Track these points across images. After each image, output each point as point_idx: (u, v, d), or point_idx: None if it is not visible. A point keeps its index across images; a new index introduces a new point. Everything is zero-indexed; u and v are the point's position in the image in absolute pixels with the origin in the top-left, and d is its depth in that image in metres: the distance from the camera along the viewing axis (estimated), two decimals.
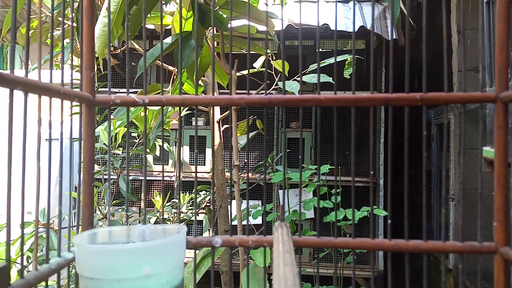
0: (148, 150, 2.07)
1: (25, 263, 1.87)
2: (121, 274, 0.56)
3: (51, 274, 0.60)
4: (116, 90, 3.88)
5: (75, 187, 2.72)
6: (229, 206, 1.88)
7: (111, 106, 0.75)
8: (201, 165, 3.85)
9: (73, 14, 1.22)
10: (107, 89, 0.80)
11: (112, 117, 1.77)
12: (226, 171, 1.88)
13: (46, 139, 0.61)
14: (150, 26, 3.50)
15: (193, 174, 3.65)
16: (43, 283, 0.62)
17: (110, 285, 0.56)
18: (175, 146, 3.55)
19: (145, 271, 0.56)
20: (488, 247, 0.70)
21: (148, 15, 1.59)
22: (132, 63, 3.89)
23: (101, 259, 0.56)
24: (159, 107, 1.64)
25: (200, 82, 1.88)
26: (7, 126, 0.51)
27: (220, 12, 1.43)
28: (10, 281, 0.52)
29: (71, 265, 0.68)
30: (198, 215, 3.41)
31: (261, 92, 2.02)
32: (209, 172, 3.69)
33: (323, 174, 2.62)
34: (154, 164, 3.86)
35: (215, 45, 1.78)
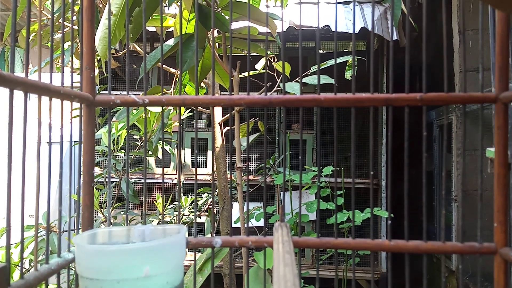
0: (150, 152, 2.08)
1: (27, 266, 1.87)
2: (121, 275, 0.56)
3: (51, 275, 0.60)
4: (117, 93, 3.89)
5: (76, 190, 2.72)
6: (230, 209, 1.88)
7: (111, 106, 0.76)
8: (203, 167, 3.86)
9: (74, 17, 1.22)
10: (107, 92, 0.80)
11: (114, 119, 1.77)
12: (228, 173, 1.88)
13: (46, 142, 0.61)
14: (152, 28, 3.51)
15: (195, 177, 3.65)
16: (43, 284, 0.62)
17: (110, 286, 0.56)
18: (177, 148, 3.56)
19: (145, 272, 0.57)
20: (488, 247, 0.69)
21: (150, 17, 1.60)
22: (134, 65, 3.90)
23: (101, 259, 0.56)
24: (160, 109, 1.64)
25: (202, 84, 1.88)
26: (7, 127, 0.51)
27: (222, 14, 1.43)
28: (11, 281, 0.52)
29: (71, 266, 0.68)
30: (200, 218, 3.41)
31: (263, 93, 2.02)
32: (210, 175, 3.70)
33: (325, 176, 2.61)
34: (156, 166, 3.87)
35: (218, 47, 1.78)
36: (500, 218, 0.68)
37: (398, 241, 0.73)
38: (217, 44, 1.76)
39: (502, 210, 0.68)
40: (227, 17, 1.41)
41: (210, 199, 2.94)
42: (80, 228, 0.75)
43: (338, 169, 3.04)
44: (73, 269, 0.69)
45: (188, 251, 0.73)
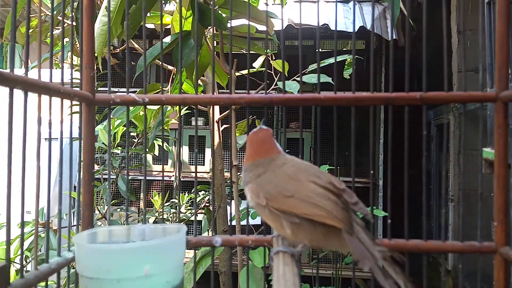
0: (147, 150, 2.07)
1: (24, 263, 1.86)
2: (121, 274, 0.56)
3: (51, 274, 0.60)
4: (116, 89, 3.88)
5: (75, 187, 2.71)
6: (228, 206, 1.87)
7: (111, 105, 0.75)
8: (201, 165, 3.85)
9: (73, 13, 1.22)
10: (106, 89, 0.80)
11: (111, 115, 1.76)
12: (225, 171, 1.87)
13: (45, 139, 0.61)
14: (149, 25, 3.49)
15: (193, 174, 3.64)
16: (43, 283, 0.62)
17: (110, 285, 0.55)
18: (175, 146, 3.55)
19: (145, 271, 0.56)
20: (488, 247, 0.70)
21: (148, 14, 1.59)
22: (132, 62, 3.88)
23: (101, 258, 0.56)
24: (158, 106, 1.63)
25: (199, 81, 1.88)
26: (7, 125, 0.50)
27: (219, 12, 1.43)
28: (10, 280, 0.52)
29: (71, 265, 0.68)
30: (197, 215, 3.40)
31: (261, 92, 2.02)
32: (208, 172, 3.69)
33: None
34: (154, 164, 3.85)
35: (215, 45, 1.78)
36: (500, 217, 0.68)
37: (398, 240, 0.73)
38: (214, 41, 1.75)
39: (502, 209, 0.68)
40: (224, 15, 1.41)
41: (207, 197, 2.94)
42: (80, 225, 0.74)
43: (334, 168, 3.03)
44: (73, 268, 0.68)
45: (188, 249, 0.72)
